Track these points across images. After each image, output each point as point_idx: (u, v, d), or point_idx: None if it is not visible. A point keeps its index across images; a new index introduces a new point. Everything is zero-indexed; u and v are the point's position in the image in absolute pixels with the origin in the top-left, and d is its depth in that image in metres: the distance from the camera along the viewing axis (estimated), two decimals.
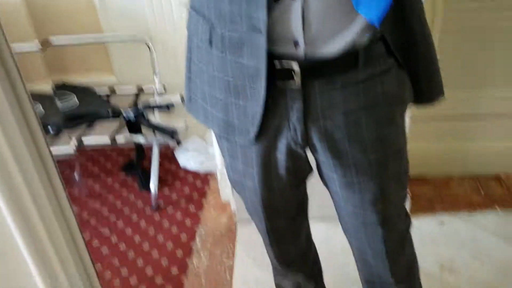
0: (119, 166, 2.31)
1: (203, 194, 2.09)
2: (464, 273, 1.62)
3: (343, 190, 1.00)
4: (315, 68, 0.84)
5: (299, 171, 1.01)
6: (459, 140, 1.98)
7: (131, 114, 1.86)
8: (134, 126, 1.99)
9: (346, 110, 0.88)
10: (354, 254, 1.22)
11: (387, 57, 0.90)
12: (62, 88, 2.05)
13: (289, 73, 0.84)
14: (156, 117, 2.00)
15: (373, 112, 0.90)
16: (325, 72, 0.85)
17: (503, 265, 1.64)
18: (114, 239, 1.91)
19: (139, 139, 1.88)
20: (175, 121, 2.00)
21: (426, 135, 1.94)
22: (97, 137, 1.86)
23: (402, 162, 1.01)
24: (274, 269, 1.36)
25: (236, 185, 1.09)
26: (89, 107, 1.95)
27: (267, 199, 1.05)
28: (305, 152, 0.97)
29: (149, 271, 1.76)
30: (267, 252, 1.29)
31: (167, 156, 2.35)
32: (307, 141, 0.92)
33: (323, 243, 1.75)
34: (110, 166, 2.33)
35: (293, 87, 0.86)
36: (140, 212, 2.04)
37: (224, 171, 1.87)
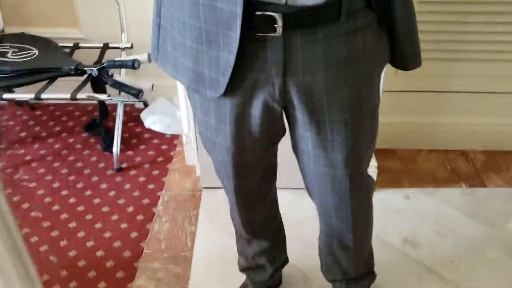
0: (82, 125, 2.21)
1: (168, 158, 2.03)
2: (426, 247, 1.63)
3: (316, 148, 0.98)
4: (296, 17, 0.79)
5: (273, 130, 0.97)
6: (429, 114, 1.96)
7: (94, 71, 1.76)
8: (98, 84, 1.88)
9: (327, 64, 0.84)
10: (319, 219, 1.20)
11: (368, 11, 0.85)
12: (21, 38, 1.92)
13: (269, 21, 0.78)
14: (122, 76, 1.90)
15: (353, 68, 0.87)
16: (307, 22, 0.80)
17: (465, 240, 1.65)
18: (72, 200, 1.84)
19: (102, 97, 1.78)
20: (142, 82, 1.91)
21: (396, 108, 1.92)
22: (57, 91, 1.75)
23: (375, 119, 1.00)
24: (238, 236, 1.33)
25: (207, 142, 1.04)
26: (50, 62, 1.83)
27: (238, 157, 1.01)
28: (281, 110, 0.93)
29: (107, 234, 1.70)
30: (232, 217, 1.26)
31: (133, 117, 2.26)
32: (284, 96, 0.88)
33: (290, 212, 1.73)
34: (73, 125, 2.23)
35: (274, 37, 0.80)
36: (101, 173, 1.96)
37: (191, 135, 1.82)
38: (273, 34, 0.79)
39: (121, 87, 1.76)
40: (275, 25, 0.78)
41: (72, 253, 1.63)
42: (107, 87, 1.88)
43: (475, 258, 1.59)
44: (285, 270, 1.50)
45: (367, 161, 1.07)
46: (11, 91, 1.89)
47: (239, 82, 0.86)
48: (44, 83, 1.80)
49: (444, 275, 1.53)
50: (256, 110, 0.90)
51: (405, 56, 0.94)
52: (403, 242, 1.65)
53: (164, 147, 2.08)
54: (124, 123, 2.21)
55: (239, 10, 0.75)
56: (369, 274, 1.34)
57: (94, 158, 2.03)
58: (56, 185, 1.91)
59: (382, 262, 1.58)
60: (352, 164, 1.01)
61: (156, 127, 2.12)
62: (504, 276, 1.53)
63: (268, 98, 0.88)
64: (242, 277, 1.46)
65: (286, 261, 1.43)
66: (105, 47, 2.00)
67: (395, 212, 1.76)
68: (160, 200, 1.83)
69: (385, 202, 1.80)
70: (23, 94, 1.79)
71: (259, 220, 1.24)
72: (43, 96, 1.72)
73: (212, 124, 0.96)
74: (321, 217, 1.20)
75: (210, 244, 1.65)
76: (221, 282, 1.52)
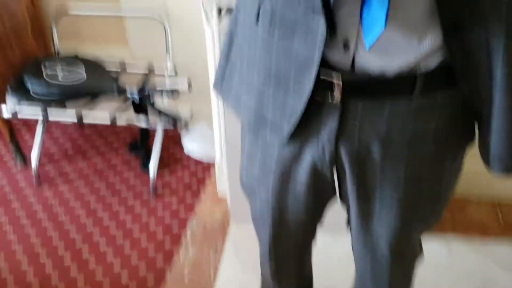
0: (125, 144, 2.26)
1: (202, 184, 2.02)
2: None
3: (359, 219, 0.90)
4: (361, 85, 0.71)
5: (321, 193, 0.90)
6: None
7: (135, 95, 1.79)
8: (139, 107, 1.92)
9: (387, 141, 0.74)
10: (355, 272, 1.13)
11: (452, 89, 0.72)
12: (73, 61, 2.00)
13: (328, 84, 0.71)
14: (163, 100, 1.92)
15: (419, 149, 0.76)
16: (372, 92, 0.71)
17: None
18: (105, 219, 1.87)
19: (141, 121, 1.80)
20: (182, 106, 1.92)
21: None
22: (98, 114, 1.80)
23: (436, 206, 0.88)
24: (263, 282, 1.28)
25: (248, 190, 0.99)
26: (96, 87, 1.89)
27: (279, 216, 0.95)
28: (331, 174, 0.85)
29: (134, 257, 1.71)
30: (261, 264, 1.21)
31: (174, 140, 2.27)
32: (335, 162, 0.81)
33: (322, 256, 1.65)
34: (117, 146, 2.28)
35: (331, 102, 0.73)
36: (137, 194, 1.99)
37: (223, 165, 1.80)
38: (330, 101, 0.72)
39: (160, 113, 1.77)
40: (334, 93, 0.71)
41: (99, 278, 1.65)
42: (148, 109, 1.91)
43: None
44: None
45: (416, 244, 0.99)
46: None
47: (290, 141, 0.80)
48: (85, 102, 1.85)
49: None
50: (303, 170, 0.84)
51: (494, 156, 0.76)
52: None
53: (200, 175, 2.08)
54: (165, 146, 2.23)
55: (317, 58, 0.67)
56: None
57: (132, 181, 2.06)
58: (93, 206, 1.95)
59: None
60: (397, 245, 0.92)
61: (195, 154, 2.12)
62: None
63: (317, 162, 0.81)
64: None
65: None
66: (151, 72, 2.03)
67: (434, 264, 1.63)
68: (188, 227, 1.82)
69: (425, 251, 1.68)
70: (67, 118, 1.85)
71: (289, 274, 1.18)
72: (85, 120, 1.77)
73: (255, 173, 0.91)
74: (357, 277, 1.12)
75: (234, 279, 1.61)
76: None
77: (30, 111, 1.86)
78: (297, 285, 1.23)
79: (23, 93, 1.84)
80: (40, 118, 1.83)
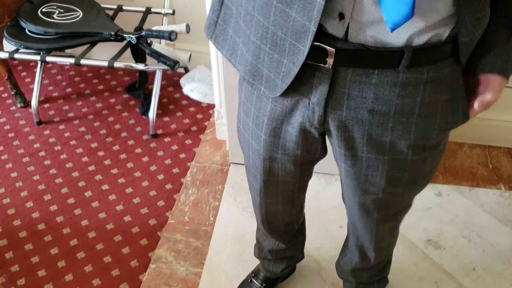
0: (124, 85, 2.26)
1: (202, 128, 2.05)
2: (449, 250, 1.58)
3: (348, 178, 0.95)
4: (350, 55, 0.73)
5: (309, 151, 0.93)
6: None
7: (133, 39, 1.77)
8: (137, 50, 1.90)
9: (374, 108, 0.78)
10: (347, 222, 1.20)
11: (445, 64, 0.77)
12: None
13: (322, 52, 0.74)
14: (161, 44, 1.90)
15: (404, 121, 0.80)
16: (360, 63, 0.74)
17: (492, 248, 1.58)
18: (107, 162, 1.92)
19: (139, 66, 1.80)
20: (180, 50, 1.90)
21: None
22: (95, 57, 1.78)
23: (422, 170, 0.91)
24: (258, 226, 1.34)
25: (242, 139, 1.03)
26: (92, 26, 1.85)
27: (269, 164, 1.00)
28: (320, 136, 0.89)
29: (136, 200, 1.77)
30: (254, 211, 1.26)
31: (173, 82, 2.27)
32: (323, 125, 0.84)
33: (314, 199, 1.73)
34: (115, 84, 2.28)
35: (323, 67, 0.76)
36: (137, 138, 2.02)
37: (222, 110, 1.82)
38: (323, 65, 0.75)
39: (158, 57, 1.76)
40: (326, 58, 0.74)
41: (101, 215, 1.73)
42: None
43: (499, 269, 1.53)
44: None
45: (404, 205, 1.03)
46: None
47: (281, 98, 0.83)
48: (85, 47, 1.83)
49: (463, 283, 1.49)
50: (292, 129, 0.88)
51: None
52: (425, 242, 1.61)
53: (199, 116, 2.10)
54: (164, 87, 2.24)
55: (312, 27, 0.70)
56: (382, 280, 1.33)
57: (132, 121, 2.09)
58: (94, 145, 1.99)
59: (401, 261, 1.56)
60: (384, 203, 0.98)
61: (194, 95, 2.13)
62: None
63: (306, 122, 0.85)
64: (257, 260, 1.49)
65: (301, 257, 1.44)
66: (147, 11, 1.99)
67: (423, 208, 1.71)
68: (189, 171, 1.87)
69: None
70: (64, 59, 1.84)
71: (279, 223, 1.23)
72: (82, 62, 1.76)
73: (249, 126, 0.95)
74: (349, 223, 1.18)
75: (231, 221, 1.68)
76: (237, 262, 1.56)
77: (27, 52, 1.84)
78: (286, 231, 1.28)
79: (19, 33, 1.82)
80: (37, 58, 1.81)
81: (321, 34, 0.73)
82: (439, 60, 0.76)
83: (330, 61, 0.74)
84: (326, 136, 0.90)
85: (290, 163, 0.97)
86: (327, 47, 0.73)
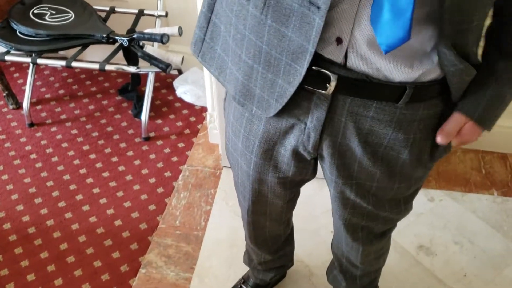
0: (117, 87, 2.25)
1: (194, 131, 2.04)
2: (441, 256, 1.58)
3: (335, 203, 0.97)
4: (351, 84, 0.72)
5: (299, 173, 0.92)
6: None
7: (125, 41, 1.75)
8: (130, 53, 1.89)
9: (368, 140, 0.78)
10: (334, 230, 1.19)
11: (437, 103, 0.77)
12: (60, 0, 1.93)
13: (323, 78, 0.71)
14: (154, 47, 1.89)
15: (395, 153, 0.80)
16: (361, 91, 0.72)
17: (484, 254, 1.58)
18: (99, 165, 1.91)
19: (131, 69, 1.78)
20: (173, 53, 1.89)
21: None
22: (87, 60, 1.77)
23: (409, 191, 0.93)
24: (246, 238, 1.33)
25: (231, 158, 1.00)
26: (84, 28, 1.84)
27: (258, 189, 0.99)
28: (312, 159, 0.88)
29: (127, 204, 1.76)
30: (243, 224, 1.25)
31: (166, 84, 2.26)
32: (317, 151, 0.84)
33: (307, 203, 1.72)
34: (108, 86, 2.27)
35: (322, 94, 0.74)
36: (129, 140, 2.01)
37: (215, 114, 1.81)
38: (322, 92, 0.73)
39: (150, 59, 1.75)
40: (327, 84, 0.72)
41: (92, 219, 1.71)
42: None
43: (491, 275, 1.52)
44: None
45: (390, 224, 1.04)
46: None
47: (275, 120, 0.81)
48: (77, 49, 1.82)
49: None
50: (285, 151, 0.86)
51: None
52: (417, 248, 1.60)
53: (192, 119, 2.09)
54: (157, 89, 2.23)
55: (311, 48, 0.67)
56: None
57: (124, 124, 2.08)
58: (86, 147, 1.98)
59: (392, 266, 1.55)
60: (370, 225, 1.00)
61: (187, 98, 2.12)
62: None
63: (300, 146, 0.83)
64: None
65: (291, 265, 1.43)
66: (140, 13, 1.98)
67: (415, 214, 1.70)
68: (181, 175, 1.86)
69: None
70: (56, 61, 1.82)
71: (266, 237, 1.22)
72: (74, 64, 1.75)
73: (239, 147, 0.93)
74: (334, 233, 1.18)
75: (223, 226, 1.67)
76: (228, 267, 1.55)
77: (18, 54, 1.83)
78: (272, 244, 1.27)
79: (10, 35, 1.80)
80: (28, 60, 1.80)
81: (320, 58, 0.71)
82: (435, 97, 0.76)
83: (330, 88, 0.72)
84: (318, 160, 0.90)
85: (280, 185, 0.96)
86: (329, 73, 0.71)
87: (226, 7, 0.77)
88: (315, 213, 1.70)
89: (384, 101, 0.73)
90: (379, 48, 0.66)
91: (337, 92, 0.73)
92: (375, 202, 0.91)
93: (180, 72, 2.22)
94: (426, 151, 0.83)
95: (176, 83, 2.16)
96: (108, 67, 1.74)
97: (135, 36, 1.75)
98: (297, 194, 1.10)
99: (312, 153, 0.84)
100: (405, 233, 1.64)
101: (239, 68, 0.78)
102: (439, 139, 0.78)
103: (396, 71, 0.69)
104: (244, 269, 1.50)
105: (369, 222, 0.99)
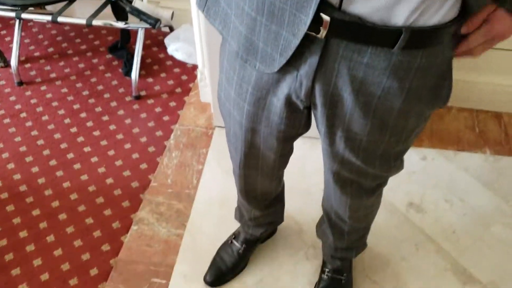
0: (107, 45, 2.20)
1: (186, 90, 2.01)
2: (431, 214, 1.59)
3: (325, 155, 0.95)
4: (344, 27, 0.69)
5: (292, 124, 0.90)
6: (464, 70, 1.81)
7: None
8: (118, 8, 1.84)
9: (361, 90, 0.75)
10: (324, 186, 1.19)
11: (440, 49, 0.73)
12: None
13: (316, 20, 0.68)
14: (143, 2, 1.83)
15: (389, 103, 0.77)
16: (355, 35, 0.69)
17: (473, 212, 1.59)
18: (89, 124, 1.89)
19: (119, 24, 1.74)
20: (163, 8, 1.84)
21: None
22: (73, 14, 1.73)
23: (399, 146, 0.90)
24: (238, 193, 1.33)
25: (223, 109, 0.99)
26: None
27: (250, 136, 0.97)
28: (305, 109, 0.86)
29: (118, 163, 1.76)
30: (234, 179, 1.24)
31: (157, 41, 2.22)
32: (309, 98, 0.81)
33: (299, 162, 1.72)
34: (98, 44, 2.22)
35: (315, 37, 0.71)
36: (120, 99, 1.98)
37: (205, 71, 1.77)
38: (315, 35, 0.70)
39: (138, 14, 1.71)
40: (320, 27, 0.69)
41: (83, 177, 1.71)
42: None
43: (479, 232, 1.54)
44: None
45: (380, 179, 1.03)
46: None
47: None
48: (63, 4, 1.77)
49: (442, 246, 1.50)
50: (278, 101, 0.84)
51: None
52: (407, 205, 1.61)
53: (184, 77, 2.06)
54: (148, 47, 2.19)
55: None
56: (360, 245, 1.33)
57: (115, 82, 2.04)
58: (76, 106, 1.96)
59: (381, 223, 1.56)
60: (360, 179, 0.98)
61: (178, 55, 2.08)
62: (504, 257, 1.48)
63: (293, 94, 0.81)
64: (238, 223, 1.49)
65: (281, 221, 1.44)
66: None
67: (407, 172, 1.70)
68: (172, 134, 1.84)
69: None
70: (41, 16, 1.78)
71: (257, 193, 1.22)
72: (60, 19, 1.70)
73: (231, 95, 0.91)
74: (324, 187, 1.17)
75: (214, 185, 1.67)
76: (219, 225, 1.56)
77: (2, 9, 1.78)
78: (263, 200, 1.27)
79: None
80: (12, 15, 1.75)
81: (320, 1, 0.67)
82: (436, 44, 0.72)
83: (323, 31, 0.69)
84: (312, 110, 0.87)
85: (273, 137, 0.94)
86: (323, 16, 0.68)
87: None
88: (307, 171, 1.70)
89: (379, 47, 0.70)
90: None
91: (330, 36, 0.70)
92: (364, 157, 0.90)
93: (171, 29, 2.17)
94: (422, 100, 0.80)
95: (167, 41, 2.12)
96: (96, 22, 1.69)
97: None
98: (290, 150, 1.08)
99: (305, 101, 0.82)
100: (395, 191, 1.65)
101: (242, 21, 0.76)
102: (464, 28, 0.73)
103: (395, 12, 0.66)
104: (235, 227, 1.51)
105: (358, 177, 0.98)
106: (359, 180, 1.00)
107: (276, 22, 0.71)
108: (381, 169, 0.95)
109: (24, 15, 1.75)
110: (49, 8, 2.12)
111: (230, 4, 0.78)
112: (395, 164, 0.96)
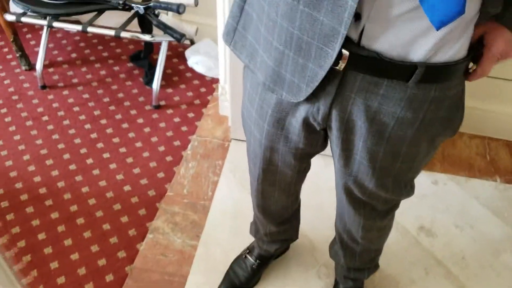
0: (129, 54, 2.25)
1: (204, 102, 2.05)
2: (441, 238, 1.62)
3: (338, 176, 0.99)
4: (363, 61, 0.73)
5: (310, 143, 0.95)
6: (478, 99, 1.84)
7: (141, 9, 1.75)
8: (144, 21, 1.89)
9: (375, 119, 0.80)
10: (336, 204, 1.22)
11: (454, 84, 0.78)
12: None
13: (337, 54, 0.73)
14: (168, 16, 1.88)
15: (402, 132, 0.82)
16: (372, 69, 0.74)
17: (483, 238, 1.62)
18: (109, 130, 1.93)
19: (145, 37, 1.79)
20: (187, 23, 1.88)
21: None
22: (103, 26, 1.77)
23: (410, 172, 0.94)
24: (254, 209, 1.36)
25: (245, 125, 1.04)
26: None
27: (269, 157, 1.02)
28: (322, 131, 0.91)
29: (136, 171, 1.80)
30: (251, 194, 1.28)
31: (178, 53, 2.26)
32: (326, 122, 0.86)
33: (313, 178, 1.74)
34: (120, 52, 2.27)
35: (334, 69, 0.75)
36: (140, 108, 2.03)
37: (226, 86, 1.82)
38: (334, 67, 0.75)
39: (165, 28, 1.75)
40: (340, 61, 0.73)
41: (102, 183, 1.75)
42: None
43: (488, 259, 1.57)
44: None
45: (391, 201, 1.06)
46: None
47: None
48: (92, 14, 1.82)
49: (452, 271, 1.53)
50: (296, 122, 0.89)
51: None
52: (418, 229, 1.64)
53: (202, 89, 2.10)
54: (169, 58, 2.23)
55: (343, 30, 0.68)
56: (372, 266, 1.36)
57: (135, 91, 2.09)
58: (97, 112, 2.00)
59: (392, 245, 1.59)
60: (371, 200, 1.02)
61: (198, 68, 2.12)
62: None
63: (310, 117, 0.86)
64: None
65: (296, 238, 1.47)
66: None
67: (418, 195, 1.73)
68: (190, 145, 1.88)
69: None
70: (71, 25, 1.83)
71: (273, 208, 1.25)
72: (89, 29, 1.75)
73: (252, 115, 0.96)
74: (337, 207, 1.21)
75: (229, 197, 1.71)
76: (233, 237, 1.60)
77: (34, 16, 1.83)
78: (279, 216, 1.30)
79: None
80: (44, 23, 1.80)
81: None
82: (450, 79, 0.76)
83: (342, 64, 0.74)
84: (327, 131, 0.92)
85: (290, 155, 0.99)
86: (343, 50, 0.72)
87: None
88: (320, 189, 1.73)
89: (394, 80, 0.75)
90: (397, 24, 0.68)
91: (348, 68, 0.75)
92: (376, 182, 0.94)
93: (192, 42, 2.22)
94: (434, 130, 0.84)
95: (188, 53, 2.17)
96: (124, 34, 1.74)
97: (151, 4, 1.74)
98: (307, 167, 1.12)
99: (321, 124, 0.87)
100: (407, 214, 1.68)
101: (270, 54, 0.81)
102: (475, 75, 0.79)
103: (413, 49, 0.70)
104: (249, 240, 1.55)
105: (371, 200, 1.02)
106: (372, 203, 1.04)
107: (303, 55, 0.76)
108: (393, 193, 0.99)
109: (55, 24, 1.80)
110: (74, 16, 2.17)
111: (258, 39, 0.83)
112: (406, 189, 1.00)
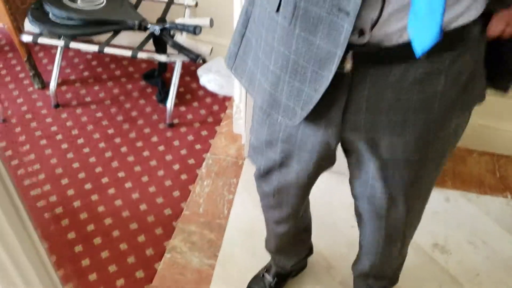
0: (141, 72, 2.28)
1: (217, 120, 2.08)
2: (455, 255, 1.64)
3: (374, 179, 0.99)
4: (370, 56, 0.74)
5: (322, 158, 0.96)
6: (488, 117, 1.88)
7: (157, 30, 1.78)
8: (159, 41, 1.91)
9: (394, 107, 0.79)
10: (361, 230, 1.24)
11: (470, 42, 0.76)
12: None
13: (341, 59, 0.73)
14: (183, 36, 1.91)
15: (424, 115, 0.81)
16: (380, 60, 0.74)
17: (496, 255, 1.64)
18: (124, 149, 1.95)
19: (161, 58, 1.82)
20: (202, 43, 1.92)
21: None
22: (119, 47, 1.80)
23: (438, 163, 0.95)
24: (266, 223, 1.39)
25: (255, 150, 1.05)
26: (115, 14, 1.87)
27: (283, 176, 1.04)
28: (335, 143, 0.92)
29: (152, 189, 1.81)
30: (263, 212, 1.30)
31: (190, 72, 2.29)
32: (340, 133, 0.86)
33: (326, 197, 1.77)
34: (132, 71, 2.30)
35: (341, 74, 0.75)
36: (153, 126, 2.05)
37: (241, 105, 1.84)
38: (340, 71, 0.74)
39: (180, 49, 1.78)
40: (345, 61, 0.73)
41: (118, 202, 1.77)
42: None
43: (502, 276, 1.59)
44: (311, 256, 1.57)
45: (413, 213, 1.11)
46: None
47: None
48: (108, 34, 1.85)
49: None
50: (307, 138, 0.91)
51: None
52: (432, 246, 1.66)
53: (215, 107, 2.13)
54: (181, 77, 2.25)
55: (339, 52, 0.70)
56: (392, 282, 1.38)
57: (148, 109, 2.11)
58: (111, 131, 2.02)
59: (407, 263, 1.60)
60: (392, 211, 1.04)
61: (210, 86, 2.15)
62: None
63: (323, 130, 0.87)
64: (269, 255, 1.54)
65: (310, 253, 1.49)
66: (170, 2, 2.00)
67: (431, 213, 1.76)
68: (204, 163, 1.91)
69: None
70: (88, 46, 1.86)
71: (287, 221, 1.26)
72: (106, 50, 1.78)
73: (263, 138, 0.98)
74: (359, 227, 1.23)
75: (245, 215, 1.73)
76: (250, 255, 1.61)
77: (51, 37, 1.86)
78: (294, 231, 1.31)
79: (43, 17, 1.83)
80: (61, 44, 1.83)
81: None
82: (463, 44, 0.75)
83: (348, 67, 0.74)
84: (340, 145, 0.94)
85: (304, 172, 1.00)
86: (347, 56, 0.73)
87: (258, 21, 0.83)
88: (334, 207, 1.75)
89: (403, 60, 0.74)
90: (401, 31, 0.70)
91: (356, 68, 0.75)
92: (407, 171, 0.92)
93: (204, 61, 2.25)
94: (457, 104, 0.82)
95: (200, 72, 2.20)
96: (141, 55, 1.77)
97: (167, 25, 1.78)
98: (315, 180, 1.13)
99: (336, 136, 0.87)
100: (420, 231, 1.68)
101: (266, 78, 0.83)
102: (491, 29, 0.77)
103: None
104: (266, 259, 1.56)
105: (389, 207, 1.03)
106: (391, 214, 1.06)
107: (298, 79, 0.77)
108: (412, 200, 1.01)
109: (72, 44, 1.82)
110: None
111: (257, 64, 0.86)
112: (432, 174, 0.98)
